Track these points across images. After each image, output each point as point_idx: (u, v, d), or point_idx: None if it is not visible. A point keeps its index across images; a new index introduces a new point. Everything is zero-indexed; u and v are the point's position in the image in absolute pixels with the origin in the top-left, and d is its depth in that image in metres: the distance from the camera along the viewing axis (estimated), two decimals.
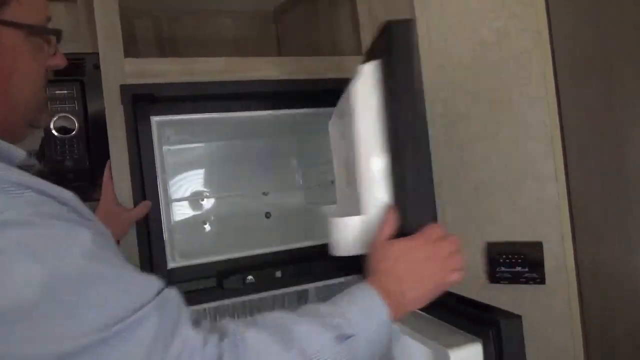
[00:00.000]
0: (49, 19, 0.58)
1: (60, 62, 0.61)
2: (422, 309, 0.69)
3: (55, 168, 1.12)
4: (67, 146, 1.13)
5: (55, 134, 1.13)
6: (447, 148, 1.08)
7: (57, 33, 0.59)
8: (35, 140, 1.13)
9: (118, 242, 0.97)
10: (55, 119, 1.13)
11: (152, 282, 0.49)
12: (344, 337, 0.52)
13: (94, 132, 1.15)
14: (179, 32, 1.50)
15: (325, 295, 1.45)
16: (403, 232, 0.65)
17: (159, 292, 0.48)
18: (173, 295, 0.50)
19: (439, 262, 0.63)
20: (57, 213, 0.46)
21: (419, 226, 0.64)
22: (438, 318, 0.76)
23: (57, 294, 0.42)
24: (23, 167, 0.53)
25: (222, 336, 0.49)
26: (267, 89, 1.12)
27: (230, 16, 1.55)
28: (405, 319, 0.71)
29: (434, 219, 0.82)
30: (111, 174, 1.00)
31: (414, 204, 0.65)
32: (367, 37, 1.24)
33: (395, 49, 0.65)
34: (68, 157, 1.13)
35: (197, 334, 0.47)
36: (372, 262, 0.63)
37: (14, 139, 0.55)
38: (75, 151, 1.13)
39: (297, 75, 1.16)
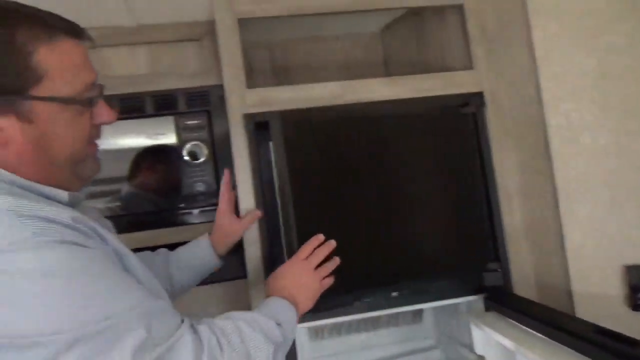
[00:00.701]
0: (88, 86, 0.64)
1: (107, 118, 0.68)
2: (554, 338, 0.78)
3: (187, 192, 1.24)
4: (198, 171, 1.24)
5: (187, 160, 1.25)
6: (574, 161, 1.01)
7: (89, 102, 0.64)
8: None
9: (219, 256, 1.02)
10: (187, 146, 1.25)
11: (134, 292, 0.61)
12: (279, 324, 0.76)
13: (221, 157, 1.26)
14: (291, 59, 1.58)
15: (442, 315, 1.42)
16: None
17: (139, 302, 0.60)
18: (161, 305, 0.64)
19: (310, 274, 0.89)
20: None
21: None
22: (576, 350, 0.71)
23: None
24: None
25: (211, 329, 0.68)
26: (382, 110, 1.14)
27: (339, 40, 1.60)
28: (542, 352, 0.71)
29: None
30: (229, 185, 1.06)
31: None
32: (478, 50, 1.21)
33: None
34: (199, 181, 1.25)
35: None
36: (266, 291, 0.88)
37: (68, 189, 0.64)
38: (205, 176, 1.25)
39: (411, 94, 1.17)
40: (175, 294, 0.97)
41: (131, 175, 1.27)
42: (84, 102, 0.63)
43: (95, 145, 0.70)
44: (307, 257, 0.91)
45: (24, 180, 0.60)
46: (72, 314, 0.53)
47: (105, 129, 0.70)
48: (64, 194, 0.64)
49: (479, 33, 1.21)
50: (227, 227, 1.02)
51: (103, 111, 0.67)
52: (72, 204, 0.65)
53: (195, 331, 0.65)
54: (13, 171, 0.60)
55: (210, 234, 1.03)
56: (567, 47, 1.03)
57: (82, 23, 1.22)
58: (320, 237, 0.94)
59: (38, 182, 0.61)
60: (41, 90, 0.59)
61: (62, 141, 0.63)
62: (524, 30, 1.07)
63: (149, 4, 1.18)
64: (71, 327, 0.53)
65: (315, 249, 0.92)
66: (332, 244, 0.94)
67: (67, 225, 0.57)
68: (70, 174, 0.66)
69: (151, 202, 1.28)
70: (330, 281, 0.92)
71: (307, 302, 0.87)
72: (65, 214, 0.58)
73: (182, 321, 0.65)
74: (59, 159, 0.63)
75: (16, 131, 0.59)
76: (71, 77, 0.62)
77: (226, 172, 1.07)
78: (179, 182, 1.27)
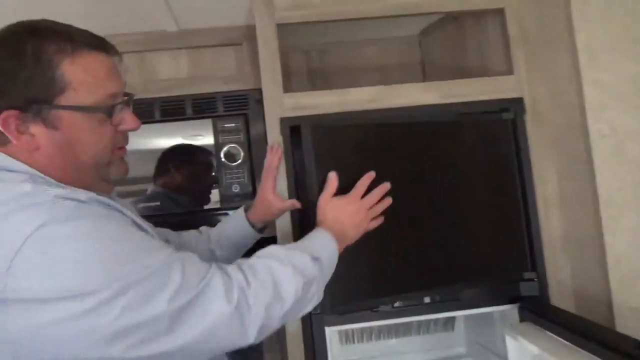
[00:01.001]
0: (111, 95, 0.69)
1: (131, 126, 0.73)
2: (593, 353, 0.79)
3: (225, 192, 1.27)
4: (234, 173, 1.27)
5: (224, 161, 1.28)
6: (617, 170, 0.98)
7: (111, 111, 0.69)
8: None
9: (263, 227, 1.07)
10: (224, 149, 1.28)
11: (163, 248, 0.66)
12: (315, 258, 0.79)
13: (256, 160, 1.28)
14: (328, 63, 1.60)
15: (474, 324, 1.40)
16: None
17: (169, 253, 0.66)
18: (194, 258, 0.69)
19: (362, 214, 0.92)
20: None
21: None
22: None
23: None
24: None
25: (240, 267, 0.72)
26: (418, 115, 1.14)
27: (375, 44, 1.60)
28: None
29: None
30: (278, 162, 1.08)
31: None
32: (518, 55, 1.19)
33: None
34: (235, 183, 1.27)
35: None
36: (319, 214, 0.91)
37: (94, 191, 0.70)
38: (242, 177, 1.27)
39: (448, 99, 1.16)
40: None
41: (157, 174, 1.30)
42: (105, 111, 0.68)
43: (121, 150, 0.75)
44: (362, 197, 0.94)
45: (52, 180, 0.67)
46: (110, 269, 0.59)
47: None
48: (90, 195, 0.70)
49: (519, 37, 1.19)
50: (270, 202, 1.04)
51: (128, 119, 0.72)
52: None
53: (224, 271, 0.69)
54: (42, 171, 0.66)
55: (246, 209, 1.06)
56: (611, 53, 1.00)
57: (128, 29, 1.28)
58: (372, 174, 0.97)
59: (68, 183, 0.68)
60: (65, 99, 0.65)
61: (86, 147, 0.68)
62: (567, 34, 1.05)
63: (191, 10, 1.22)
64: (115, 277, 0.58)
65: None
66: (387, 185, 0.97)
67: (83, 201, 0.63)
68: (95, 177, 0.71)
69: (177, 203, 1.31)
70: (379, 222, 0.96)
71: (353, 239, 0.92)
72: (82, 194, 0.64)
73: (211, 266, 0.69)
74: (83, 164, 0.69)
75: (44, 137, 0.66)
76: (93, 88, 0.67)
77: (276, 147, 1.09)
78: (208, 183, 1.30)
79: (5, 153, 0.66)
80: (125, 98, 0.73)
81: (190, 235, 1.05)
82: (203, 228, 1.07)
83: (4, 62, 0.64)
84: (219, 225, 1.07)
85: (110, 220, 0.65)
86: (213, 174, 1.30)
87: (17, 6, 1.09)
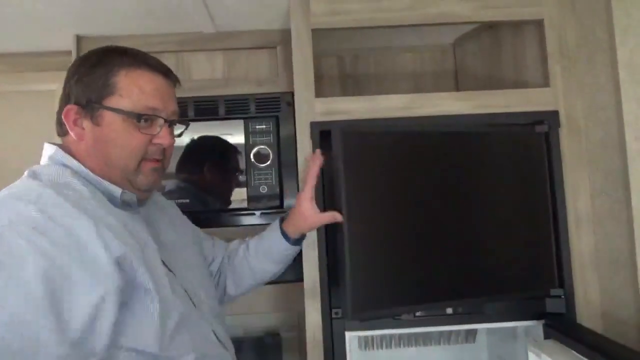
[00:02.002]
0: (150, 109, 0.78)
1: (163, 141, 0.80)
2: None
3: (253, 193, 1.29)
4: (263, 174, 1.29)
5: (254, 162, 1.30)
6: None
7: (139, 117, 0.77)
8: None
9: (300, 239, 1.06)
10: (254, 150, 1.30)
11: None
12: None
13: (285, 162, 1.29)
14: (361, 69, 1.60)
15: (496, 337, 1.38)
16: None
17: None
18: None
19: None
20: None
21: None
22: None
23: None
24: None
25: None
26: (450, 125, 1.13)
27: (409, 51, 1.60)
28: None
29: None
30: (318, 170, 1.04)
31: None
32: (555, 68, 1.17)
33: None
34: (263, 184, 1.29)
35: None
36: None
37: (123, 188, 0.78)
38: (270, 179, 1.29)
39: (481, 110, 1.15)
40: (261, 282, 1.08)
41: (185, 170, 1.31)
42: (135, 117, 0.77)
43: (152, 163, 0.81)
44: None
45: (88, 171, 0.76)
46: None
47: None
48: (117, 190, 0.77)
49: (557, 50, 1.17)
50: (307, 212, 1.02)
51: (162, 134, 0.80)
52: (128, 203, 0.78)
53: None
54: (82, 160, 0.77)
55: (282, 220, 1.06)
56: None
57: (167, 29, 1.31)
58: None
59: (99, 175, 0.77)
60: (110, 102, 0.76)
61: (116, 146, 0.77)
62: (608, 48, 1.03)
63: (229, 12, 1.24)
64: None
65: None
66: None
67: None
68: (122, 179, 0.78)
69: (203, 201, 1.32)
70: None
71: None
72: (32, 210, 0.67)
73: None
74: (112, 161, 0.77)
75: (89, 131, 0.77)
76: (136, 98, 0.77)
77: (317, 153, 1.06)
78: (235, 183, 1.31)
79: (63, 144, 0.80)
80: (166, 117, 0.80)
81: (233, 244, 1.09)
82: (241, 248, 1.07)
83: (81, 69, 0.78)
84: (256, 238, 1.07)
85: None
86: (239, 175, 1.31)
87: (63, 5, 1.14)
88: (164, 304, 0.71)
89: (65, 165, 0.76)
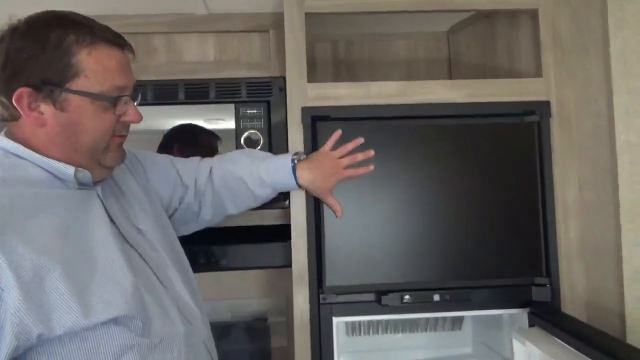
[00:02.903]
0: (118, 88, 0.74)
1: (133, 118, 0.78)
2: None
3: None
4: None
5: (245, 147, 1.29)
6: None
7: (114, 101, 0.74)
8: None
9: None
10: (245, 135, 1.29)
11: None
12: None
13: (276, 147, 1.28)
14: (355, 54, 1.59)
15: (482, 324, 1.40)
16: None
17: None
18: None
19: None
20: None
21: None
22: None
23: None
24: None
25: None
26: (442, 113, 1.14)
27: (404, 38, 1.58)
28: None
29: None
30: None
31: None
32: (548, 58, 1.17)
33: None
34: None
35: None
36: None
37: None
38: None
39: (473, 98, 1.15)
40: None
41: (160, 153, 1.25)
42: (110, 100, 0.74)
43: (119, 138, 0.79)
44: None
45: (30, 152, 0.71)
46: None
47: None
48: (69, 170, 0.73)
49: (551, 40, 1.17)
50: (329, 168, 1.06)
51: (131, 112, 0.78)
52: (80, 181, 0.74)
53: None
54: (43, 148, 0.72)
55: (298, 159, 1.06)
56: None
57: (158, 10, 1.28)
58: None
59: (60, 160, 0.72)
60: (76, 84, 0.71)
61: (87, 130, 0.73)
62: (601, 40, 1.02)
63: None
64: None
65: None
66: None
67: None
68: (90, 160, 0.76)
69: None
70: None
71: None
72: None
73: None
74: (81, 146, 0.74)
75: (51, 117, 0.71)
76: (103, 78, 0.72)
77: (337, 133, 1.09)
78: None
79: (10, 129, 0.74)
80: (132, 93, 0.78)
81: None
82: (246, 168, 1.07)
83: (27, 44, 0.70)
84: (266, 164, 1.06)
85: None
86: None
87: None
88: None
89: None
